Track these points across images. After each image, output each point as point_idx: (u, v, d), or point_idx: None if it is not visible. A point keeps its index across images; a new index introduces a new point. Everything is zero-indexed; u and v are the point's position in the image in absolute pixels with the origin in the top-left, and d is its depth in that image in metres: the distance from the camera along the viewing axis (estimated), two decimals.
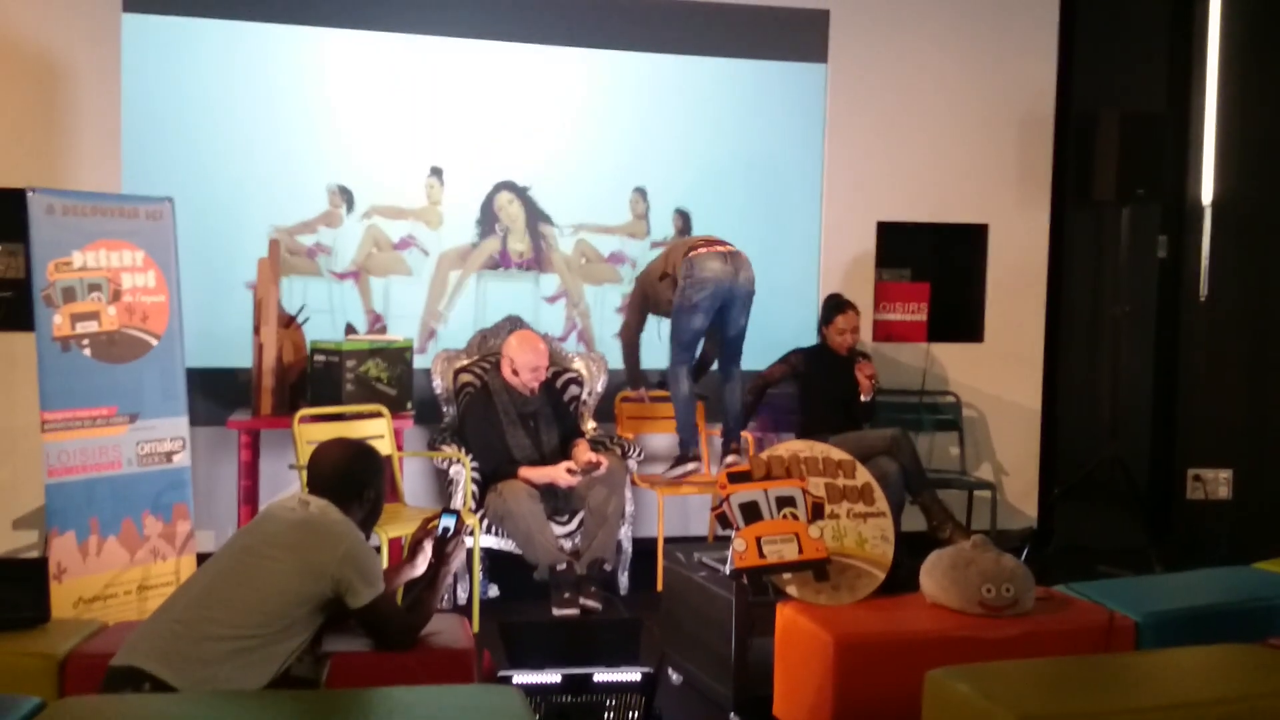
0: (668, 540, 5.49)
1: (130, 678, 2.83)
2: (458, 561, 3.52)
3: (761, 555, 3.79)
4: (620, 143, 6.19)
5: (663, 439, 6.04)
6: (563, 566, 5.12)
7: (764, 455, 3.98)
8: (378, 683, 3.17)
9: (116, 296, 4.65)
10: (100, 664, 2.97)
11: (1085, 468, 6.67)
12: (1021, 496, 6.72)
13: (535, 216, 6.10)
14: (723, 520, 3.85)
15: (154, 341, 4.76)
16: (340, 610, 3.10)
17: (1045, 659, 3.20)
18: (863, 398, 5.86)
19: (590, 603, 5.11)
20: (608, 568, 5.28)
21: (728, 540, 4.02)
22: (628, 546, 5.47)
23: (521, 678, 3.31)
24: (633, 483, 5.53)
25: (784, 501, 3.89)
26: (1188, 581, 4.25)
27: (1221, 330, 6.86)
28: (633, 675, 3.38)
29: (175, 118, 5.65)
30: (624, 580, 5.48)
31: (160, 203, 4.84)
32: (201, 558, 4.84)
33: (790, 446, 4.01)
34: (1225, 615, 3.89)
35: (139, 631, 2.98)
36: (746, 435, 6.00)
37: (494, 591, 5.39)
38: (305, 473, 4.71)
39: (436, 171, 5.97)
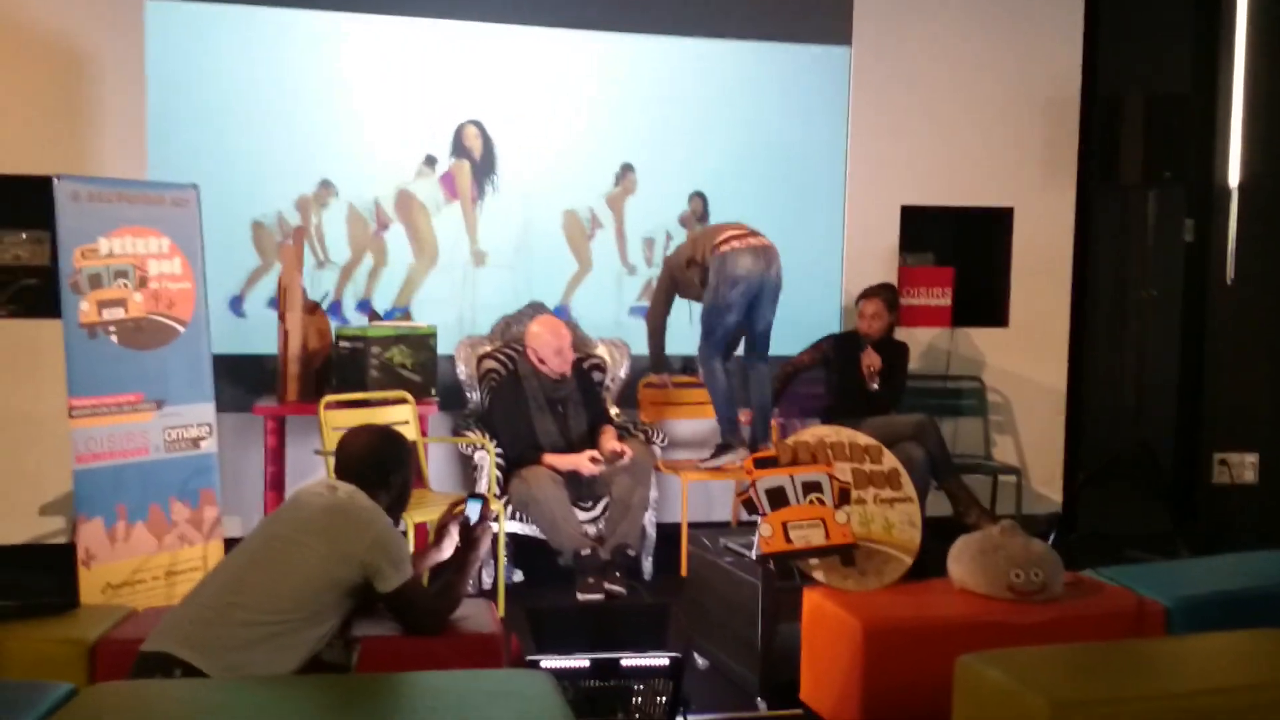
0: (691, 525, 5.49)
1: (161, 663, 2.83)
2: (485, 546, 3.52)
3: (788, 540, 3.78)
4: (638, 127, 6.16)
5: (686, 425, 6.03)
6: (587, 552, 5.12)
7: (790, 441, 3.97)
8: (407, 667, 3.17)
9: (143, 283, 4.67)
10: (130, 650, 2.98)
11: (1110, 453, 6.64)
12: (1046, 481, 6.69)
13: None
14: (749, 506, 3.83)
15: (180, 328, 4.78)
16: (369, 595, 3.11)
17: (1076, 645, 3.18)
18: (869, 386, 5.81)
19: (615, 588, 5.11)
20: (632, 553, 5.28)
21: (752, 525, 4.01)
22: (652, 532, 5.47)
23: (549, 663, 3.32)
24: (657, 469, 5.52)
25: (810, 487, 3.87)
26: (1217, 566, 4.21)
27: (1248, 314, 6.80)
28: (661, 660, 3.37)
29: (200, 104, 5.66)
30: (648, 565, 5.48)
31: (185, 189, 4.86)
32: (229, 543, 4.90)
33: (817, 432, 3.99)
34: (1256, 600, 3.84)
35: (169, 617, 2.98)
36: (774, 421, 5.98)
37: (519, 576, 5.40)
38: (332, 459, 4.75)
39: (431, 160, 5.97)
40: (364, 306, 5.89)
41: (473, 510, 3.50)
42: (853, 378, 5.86)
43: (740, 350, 5.75)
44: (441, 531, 3.55)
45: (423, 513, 4.74)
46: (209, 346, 4.88)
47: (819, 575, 3.78)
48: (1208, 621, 3.72)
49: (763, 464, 3.88)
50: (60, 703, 2.53)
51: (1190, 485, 6.90)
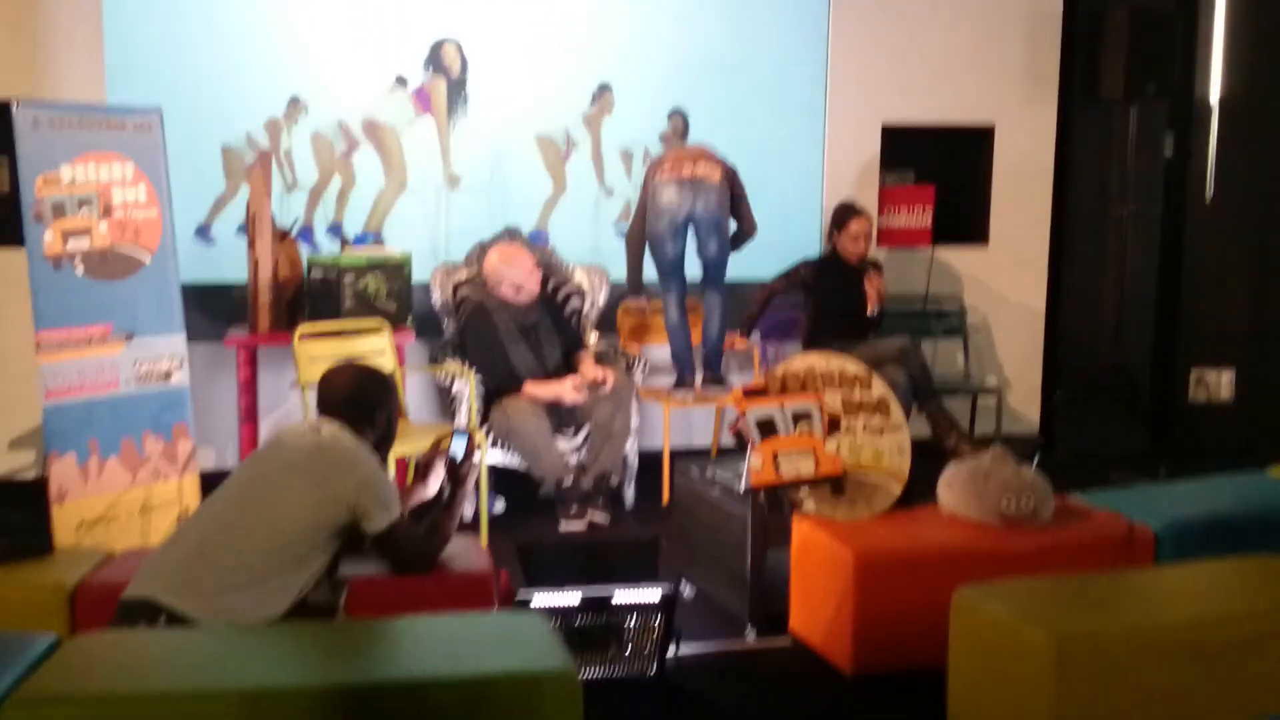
0: (673, 451, 5.46)
1: (144, 610, 2.76)
2: (471, 483, 3.45)
3: (778, 471, 3.73)
4: (615, 45, 6.00)
5: (666, 350, 5.95)
6: (569, 481, 5.07)
7: (779, 370, 3.91)
8: (396, 607, 3.11)
9: (107, 211, 4.51)
10: (111, 595, 2.91)
11: (1088, 371, 6.64)
12: (1025, 401, 6.69)
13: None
14: (739, 437, 3.78)
15: (147, 258, 4.62)
16: (357, 535, 3.04)
17: (1072, 575, 3.17)
18: (870, 311, 5.78)
19: (597, 517, 5.07)
20: (614, 482, 5.23)
21: (735, 453, 3.96)
22: (633, 460, 5.42)
23: (540, 599, 3.28)
24: (638, 396, 5.46)
25: (800, 417, 3.83)
26: (1203, 489, 4.22)
27: (1226, 230, 6.78)
28: (652, 595, 3.35)
29: (160, 21, 5.45)
30: (630, 493, 5.44)
31: (149, 113, 4.67)
32: (204, 477, 4.82)
33: (806, 360, 3.93)
34: (1243, 524, 3.87)
35: (150, 562, 2.91)
36: (750, 345, 5.93)
37: (500, 506, 5.35)
38: (310, 392, 4.66)
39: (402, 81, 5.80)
40: (335, 231, 5.75)
41: (458, 446, 3.43)
42: (835, 302, 5.80)
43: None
44: (427, 468, 3.48)
45: (402, 445, 4.66)
46: (177, 276, 4.73)
47: (809, 505, 3.75)
48: (1196, 545, 3.74)
49: (752, 394, 3.83)
50: (44, 654, 2.47)
51: (1167, 402, 6.92)
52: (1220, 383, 6.89)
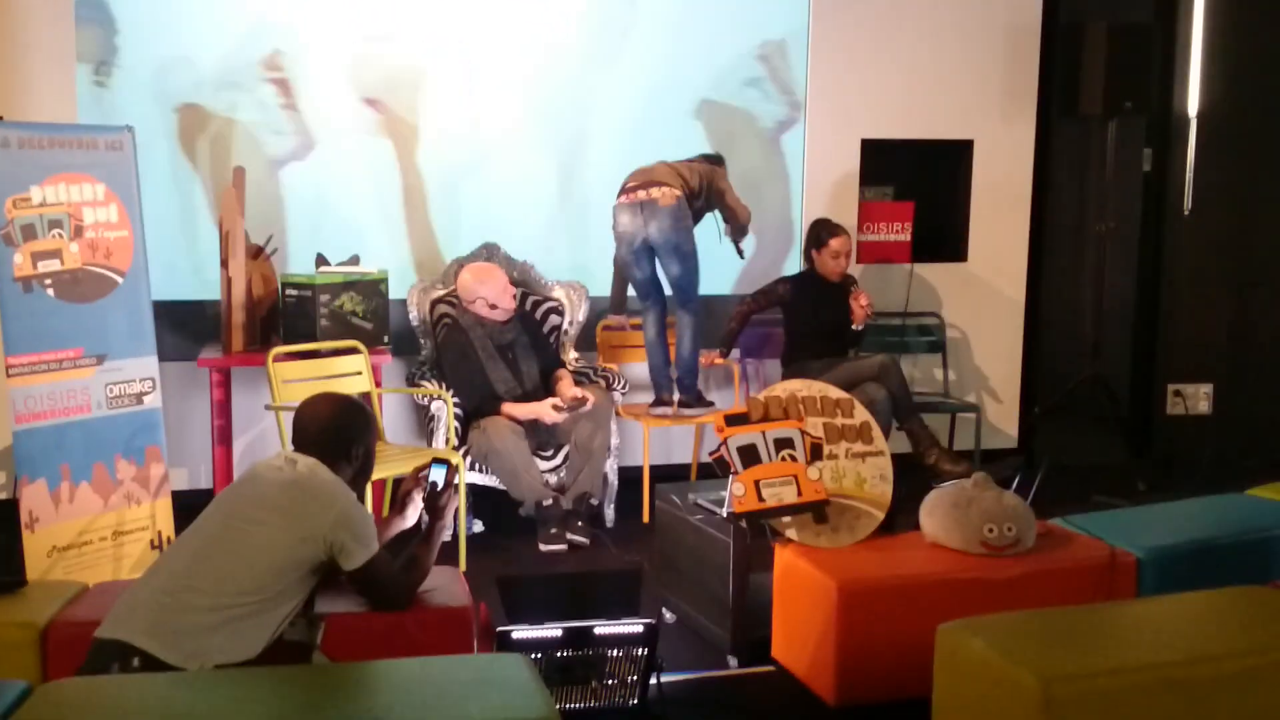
0: (653, 469, 5.44)
1: (118, 652, 2.71)
2: (451, 514, 3.40)
3: (760, 499, 3.70)
4: (592, 60, 5.95)
5: (645, 367, 5.91)
6: (549, 502, 5.03)
7: (761, 396, 3.87)
8: (374, 645, 3.08)
9: (78, 233, 4.45)
10: (84, 633, 2.84)
11: (1067, 386, 6.64)
12: (1003, 416, 6.68)
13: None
14: (721, 465, 3.74)
15: (119, 279, 4.56)
16: (334, 572, 2.99)
17: (1056, 609, 3.14)
18: (855, 326, 5.77)
19: (577, 538, 5.03)
20: (594, 502, 5.19)
21: (714, 473, 3.92)
22: (613, 479, 5.37)
23: (521, 633, 3.24)
24: (617, 414, 5.42)
25: (782, 443, 3.79)
26: (1185, 512, 4.21)
27: (1204, 244, 6.78)
28: (634, 628, 3.31)
29: (130, 40, 5.38)
30: (610, 513, 5.40)
31: (120, 132, 4.61)
32: (176, 497, 4.75)
33: (788, 386, 3.90)
34: (1226, 549, 3.86)
35: (124, 601, 2.85)
36: (731, 363, 5.90)
37: (478, 527, 5.30)
38: (285, 420, 4.59)
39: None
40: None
41: (437, 475, 3.38)
42: (814, 320, 5.78)
43: None
44: (405, 498, 3.43)
45: (380, 469, 4.60)
46: (149, 297, 4.67)
47: (792, 534, 3.72)
48: (1178, 571, 3.73)
49: (734, 420, 3.79)
50: (15, 703, 2.40)
51: (1145, 417, 6.93)
52: (1198, 396, 6.90)
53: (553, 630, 3.25)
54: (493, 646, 3.23)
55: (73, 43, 5.28)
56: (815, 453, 3.81)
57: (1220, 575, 3.77)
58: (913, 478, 3.97)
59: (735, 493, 3.70)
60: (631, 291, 5.67)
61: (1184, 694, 2.67)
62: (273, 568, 2.86)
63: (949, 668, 2.91)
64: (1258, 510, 4.18)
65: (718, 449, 3.75)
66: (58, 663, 3.00)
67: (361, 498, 3.22)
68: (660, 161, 5.53)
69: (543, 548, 5.00)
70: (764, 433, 3.79)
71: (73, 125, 4.95)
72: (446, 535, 4.87)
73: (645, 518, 5.38)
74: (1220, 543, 3.87)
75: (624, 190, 5.41)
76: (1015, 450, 6.65)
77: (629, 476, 5.51)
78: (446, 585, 3.31)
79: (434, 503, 3.36)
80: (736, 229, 5.67)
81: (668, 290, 5.57)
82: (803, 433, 3.82)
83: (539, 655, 3.22)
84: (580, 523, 5.07)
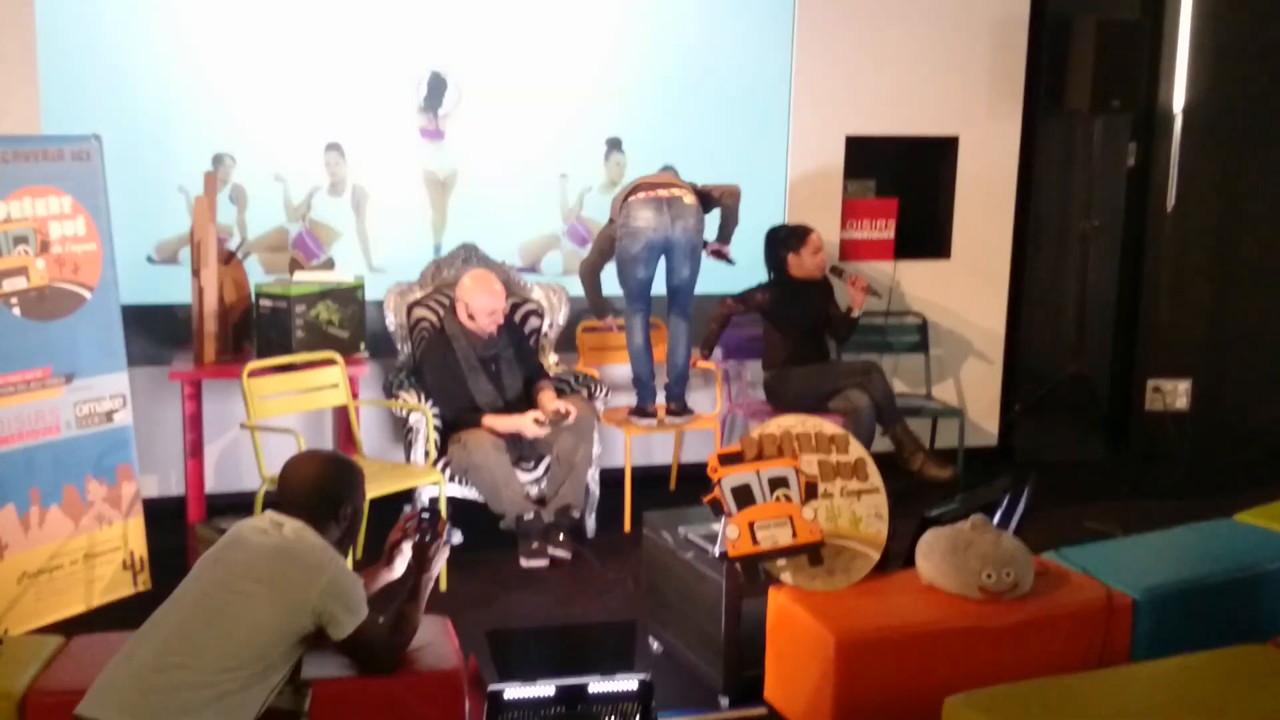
0: (634, 469, 5.41)
1: None
2: (439, 567, 3.31)
3: (755, 541, 3.63)
4: (577, 57, 5.78)
5: (627, 369, 5.80)
6: (529, 516, 4.94)
7: (755, 434, 3.79)
8: (364, 711, 3.01)
9: (45, 248, 4.28)
10: (64, 703, 2.75)
11: (1048, 383, 6.61)
12: (984, 413, 6.63)
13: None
14: (715, 507, 3.67)
15: (87, 295, 4.41)
16: (322, 641, 2.89)
17: (1059, 679, 3.09)
18: (854, 312, 5.72)
19: (559, 553, 4.96)
20: (576, 514, 5.11)
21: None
22: (595, 489, 5.29)
23: (513, 692, 3.16)
24: (598, 418, 5.32)
25: (777, 482, 3.72)
26: (1177, 544, 4.18)
27: (1187, 240, 6.75)
28: (629, 684, 3.23)
29: (94, 49, 5.17)
30: (591, 522, 5.32)
31: (86, 141, 4.44)
32: (147, 504, 4.62)
33: (782, 423, 3.81)
34: (1219, 588, 3.84)
35: (107, 678, 2.73)
36: (714, 365, 5.81)
37: (458, 538, 5.16)
38: (260, 439, 4.48)
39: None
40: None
41: (425, 526, 3.29)
42: (793, 323, 5.72)
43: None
44: (393, 549, 3.34)
45: None
46: (119, 311, 4.52)
47: (787, 577, 3.65)
48: (1174, 611, 3.71)
49: (728, 460, 3.71)
50: None
51: (1124, 412, 6.91)
52: (1177, 392, 6.88)
53: (545, 688, 3.17)
54: (483, 704, 3.15)
55: (35, 50, 5.06)
56: (810, 492, 3.74)
57: (1214, 616, 3.80)
58: (902, 510, 3.90)
59: (729, 535, 3.62)
60: (610, 291, 5.54)
61: None
62: (260, 641, 2.76)
63: None
64: (1248, 542, 4.15)
65: (712, 491, 3.67)
66: None
67: (348, 554, 3.12)
68: (664, 171, 5.48)
69: (524, 563, 4.92)
70: (758, 472, 3.71)
71: (37, 136, 4.77)
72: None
73: (626, 528, 5.32)
74: (1214, 581, 3.85)
75: (640, 188, 5.28)
76: (995, 449, 6.62)
77: (609, 478, 5.43)
78: (435, 642, 3.22)
79: (422, 555, 3.26)
80: (732, 225, 5.58)
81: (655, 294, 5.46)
82: (797, 471, 3.74)
83: (531, 714, 3.14)
84: (562, 536, 4.99)
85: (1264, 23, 6.59)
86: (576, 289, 5.63)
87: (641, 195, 5.25)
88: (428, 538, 3.28)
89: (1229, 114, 6.61)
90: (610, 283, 5.54)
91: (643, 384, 5.50)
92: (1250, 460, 6.63)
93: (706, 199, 5.44)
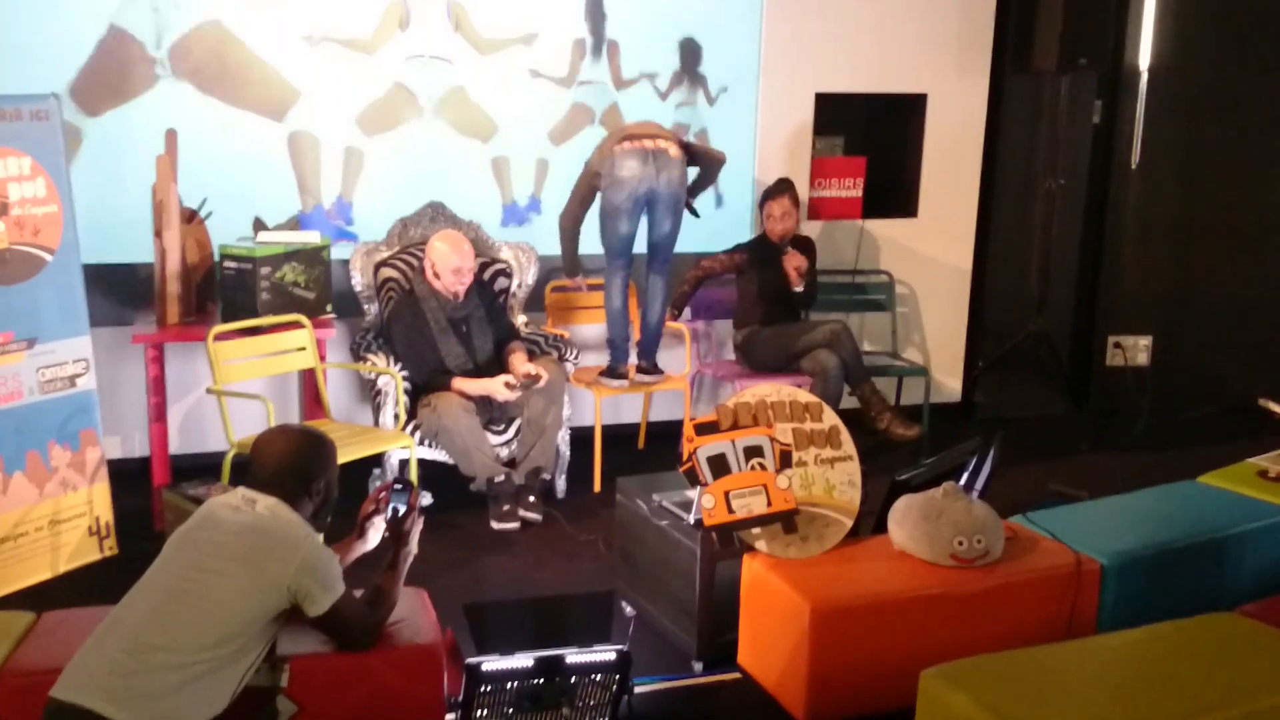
0: (603, 428, 5.40)
1: (76, 718, 2.58)
2: (415, 539, 3.29)
3: (730, 510, 3.64)
4: (539, 18, 5.70)
5: (596, 329, 5.79)
6: (500, 478, 4.93)
7: (731, 403, 3.79)
8: (342, 686, 3.00)
9: (4, 210, 4.18)
10: (38, 683, 2.72)
11: (1012, 340, 6.65)
12: (948, 370, 6.67)
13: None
14: (690, 476, 3.67)
15: (48, 257, 4.31)
16: (298, 617, 2.88)
17: (1033, 649, 3.13)
18: (794, 289, 5.69)
19: (529, 514, 4.96)
20: (546, 477, 5.10)
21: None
22: (565, 450, 5.28)
23: (492, 664, 3.16)
24: (569, 380, 5.30)
25: (752, 451, 3.72)
26: (1141, 508, 4.22)
27: (1149, 198, 6.79)
28: (607, 655, 3.24)
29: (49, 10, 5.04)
30: (562, 483, 5.32)
31: (45, 100, 4.32)
32: (111, 465, 4.55)
33: (757, 392, 3.82)
34: (1187, 551, 3.90)
35: (81, 660, 2.70)
36: (682, 326, 5.80)
37: (428, 499, 5.17)
38: (227, 405, 4.42)
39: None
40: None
41: (398, 500, 3.27)
42: (764, 283, 5.71)
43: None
44: (366, 522, 3.32)
45: None
46: (80, 274, 4.43)
47: (761, 545, 3.66)
48: (1141, 574, 3.77)
49: (703, 429, 3.71)
50: None
51: (1086, 369, 6.98)
52: (1137, 348, 6.95)
53: (524, 660, 3.18)
54: (461, 676, 3.15)
55: None
56: (784, 460, 3.75)
57: (1180, 579, 3.87)
58: (870, 469, 3.92)
59: (705, 505, 3.63)
60: (587, 250, 5.49)
61: None
62: (236, 620, 2.74)
63: (933, 718, 2.89)
64: (1212, 505, 4.22)
65: (688, 460, 3.67)
66: (9, 713, 2.87)
67: (322, 529, 3.10)
68: (649, 120, 5.42)
69: (495, 526, 4.91)
70: (733, 441, 3.71)
71: None
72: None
73: (597, 487, 5.32)
74: (1181, 546, 3.90)
75: (626, 138, 5.20)
76: (958, 406, 6.67)
77: (578, 438, 5.41)
78: (412, 616, 3.21)
79: (398, 529, 3.25)
80: (702, 186, 5.54)
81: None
82: (772, 440, 3.75)
83: (510, 683, 3.15)
84: (533, 498, 4.99)
85: None
86: (545, 249, 5.58)
87: (628, 145, 5.17)
88: (401, 510, 3.25)
89: (1194, 74, 6.62)
90: (589, 242, 5.49)
91: (616, 346, 5.46)
92: (1209, 415, 6.72)
93: (692, 156, 5.38)
